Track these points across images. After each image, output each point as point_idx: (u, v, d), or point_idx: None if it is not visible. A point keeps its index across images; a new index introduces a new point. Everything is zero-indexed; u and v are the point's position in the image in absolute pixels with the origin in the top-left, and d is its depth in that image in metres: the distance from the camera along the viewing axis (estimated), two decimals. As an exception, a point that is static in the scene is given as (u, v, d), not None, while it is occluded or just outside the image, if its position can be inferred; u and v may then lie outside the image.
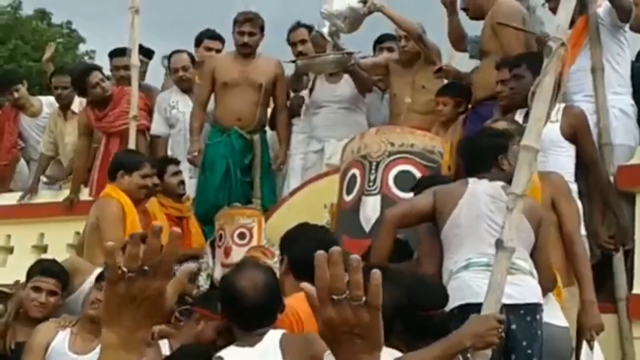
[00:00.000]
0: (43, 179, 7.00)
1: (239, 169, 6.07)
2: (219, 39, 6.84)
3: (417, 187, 4.17)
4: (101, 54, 22.57)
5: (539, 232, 3.55)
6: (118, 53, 6.83)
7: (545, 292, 3.53)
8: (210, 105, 6.27)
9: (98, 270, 4.27)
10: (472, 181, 3.68)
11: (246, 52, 6.13)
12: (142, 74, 6.96)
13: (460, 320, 3.04)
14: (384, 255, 3.71)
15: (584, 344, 3.84)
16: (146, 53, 6.94)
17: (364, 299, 1.27)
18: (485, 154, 3.76)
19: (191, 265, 4.43)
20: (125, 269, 1.33)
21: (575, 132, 4.40)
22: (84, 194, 6.67)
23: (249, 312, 2.97)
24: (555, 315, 3.62)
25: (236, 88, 6.05)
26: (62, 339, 3.96)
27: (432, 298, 3.17)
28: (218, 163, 6.05)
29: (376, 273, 1.27)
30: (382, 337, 1.31)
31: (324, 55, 5.98)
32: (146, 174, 5.07)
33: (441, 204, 3.65)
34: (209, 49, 6.70)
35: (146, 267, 1.34)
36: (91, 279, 4.24)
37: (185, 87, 6.50)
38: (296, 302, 3.12)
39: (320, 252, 1.29)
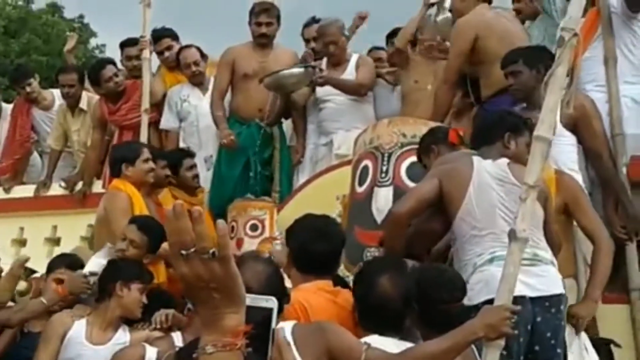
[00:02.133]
0: (62, 183, 7.02)
1: (260, 162, 6.05)
2: (164, 36, 6.76)
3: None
4: (112, 48, 22.67)
5: (546, 207, 3.56)
6: (129, 43, 6.85)
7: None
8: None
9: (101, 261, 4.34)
10: (477, 160, 3.63)
11: (264, 42, 6.13)
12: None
13: None
14: (400, 254, 3.67)
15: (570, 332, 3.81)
16: None
17: (211, 251, 1.26)
18: (494, 127, 3.77)
19: (25, 256, 4.44)
20: None
21: (576, 123, 4.39)
22: (97, 187, 6.70)
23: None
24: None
25: (256, 79, 6.03)
26: (78, 328, 3.99)
27: (451, 290, 3.18)
28: (237, 154, 6.02)
29: (221, 223, 1.26)
30: (241, 290, 1.29)
31: (287, 68, 5.96)
32: (147, 158, 5.12)
33: (448, 190, 3.61)
34: (160, 53, 6.71)
35: None
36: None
37: (198, 82, 6.49)
38: (302, 294, 3.12)
39: (168, 208, 1.28)
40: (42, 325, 4.11)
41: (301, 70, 5.92)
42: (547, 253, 3.49)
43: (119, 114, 6.58)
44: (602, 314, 4.21)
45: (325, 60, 6.23)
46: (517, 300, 3.15)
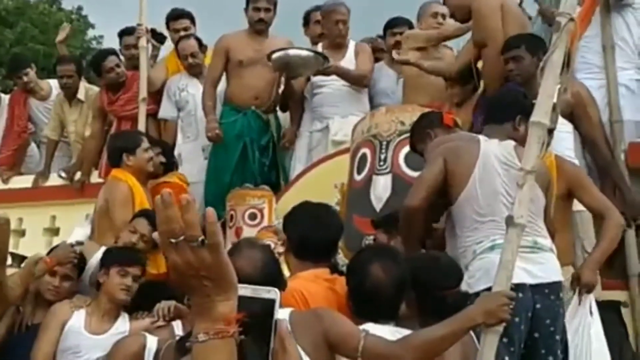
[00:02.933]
0: (61, 173, 7.01)
1: (257, 149, 6.02)
2: (183, 16, 6.77)
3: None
4: (109, 40, 22.62)
5: (547, 194, 3.56)
6: (127, 32, 6.83)
7: None
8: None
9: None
10: (483, 140, 3.59)
11: (261, 28, 6.10)
12: (154, 58, 6.96)
13: None
14: (416, 247, 3.65)
15: (576, 301, 3.83)
16: (158, 38, 6.94)
17: (200, 238, 1.25)
18: (506, 107, 3.75)
19: (38, 255, 4.43)
20: None
21: (572, 110, 4.38)
22: (94, 177, 6.70)
23: None
24: None
25: (252, 66, 6.00)
26: (77, 318, 4.00)
27: (447, 277, 3.17)
28: (233, 143, 5.97)
29: (209, 210, 1.26)
30: (232, 278, 1.28)
31: (297, 48, 5.92)
32: (147, 147, 5.13)
33: (452, 170, 3.54)
34: (176, 31, 6.66)
35: None
36: (97, 256, 4.30)
37: (196, 72, 6.46)
38: (299, 282, 3.13)
39: (157, 197, 1.27)
40: (42, 317, 4.11)
41: (310, 54, 5.86)
42: (547, 240, 3.49)
43: (118, 104, 6.58)
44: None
45: (320, 45, 6.20)
46: (518, 287, 3.17)
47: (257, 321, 1.29)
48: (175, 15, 6.77)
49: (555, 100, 3.07)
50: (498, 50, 4.69)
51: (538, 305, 3.37)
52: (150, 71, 6.51)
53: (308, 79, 6.18)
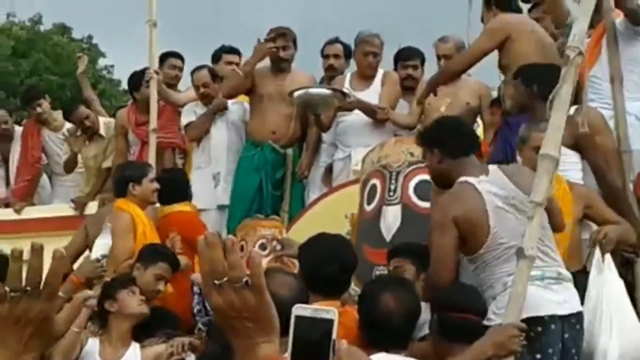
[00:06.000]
0: (71, 204, 7.08)
1: (271, 183, 6.10)
2: (237, 52, 6.95)
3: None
4: (120, 69, 22.80)
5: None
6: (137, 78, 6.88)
7: None
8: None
9: None
10: (477, 183, 3.50)
11: (282, 66, 6.19)
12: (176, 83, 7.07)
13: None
14: None
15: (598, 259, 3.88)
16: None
17: (244, 280, 1.25)
18: (466, 138, 3.76)
19: (88, 293, 4.49)
20: (7, 289, 1.30)
21: (577, 141, 4.40)
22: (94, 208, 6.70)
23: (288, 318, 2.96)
24: None
25: (271, 102, 6.10)
26: (92, 345, 4.06)
27: (468, 301, 3.20)
28: (251, 176, 6.09)
29: (254, 252, 1.27)
30: (275, 319, 1.28)
31: (317, 87, 5.96)
32: (153, 178, 5.21)
33: (467, 233, 3.44)
34: (229, 63, 6.77)
35: (28, 288, 1.30)
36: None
37: (208, 102, 6.52)
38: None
39: (200, 237, 1.27)
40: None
41: (330, 92, 5.80)
42: (566, 271, 3.51)
43: (144, 129, 6.59)
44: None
45: (348, 75, 6.18)
46: (551, 319, 3.23)
47: (316, 342, 1.29)
48: (227, 50, 6.93)
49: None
50: None
51: (566, 335, 3.39)
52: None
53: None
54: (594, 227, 4.29)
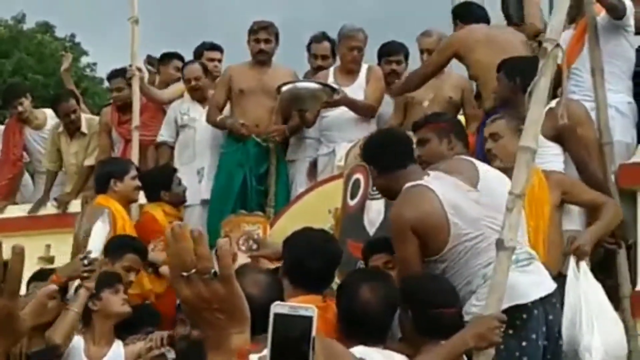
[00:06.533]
0: (53, 202, 7.04)
1: (255, 178, 6.07)
2: (218, 49, 7.02)
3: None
4: (102, 67, 22.73)
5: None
6: (116, 75, 6.92)
7: None
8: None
9: None
10: (424, 182, 3.42)
11: (263, 59, 6.17)
12: (152, 84, 7.04)
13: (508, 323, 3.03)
14: None
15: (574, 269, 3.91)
16: (153, 63, 7.06)
17: (212, 271, 1.24)
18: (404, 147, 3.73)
19: (52, 287, 4.47)
20: None
21: (559, 133, 4.42)
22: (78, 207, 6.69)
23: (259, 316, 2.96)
24: None
25: (253, 96, 6.08)
26: (77, 342, 4.07)
27: (444, 295, 3.19)
28: (235, 172, 6.06)
29: (220, 241, 1.26)
30: (246, 309, 1.27)
31: (305, 81, 5.94)
32: (135, 175, 5.22)
33: (425, 236, 3.35)
34: (211, 60, 6.81)
35: None
36: None
37: (199, 97, 6.50)
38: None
39: (168, 229, 1.26)
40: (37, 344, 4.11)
41: (318, 87, 5.79)
42: (532, 249, 3.51)
43: (127, 127, 6.62)
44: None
45: (332, 69, 6.14)
46: (534, 304, 3.25)
47: (295, 339, 1.27)
48: (209, 47, 7.01)
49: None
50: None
51: (550, 317, 3.40)
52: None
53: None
54: (576, 216, 4.33)
